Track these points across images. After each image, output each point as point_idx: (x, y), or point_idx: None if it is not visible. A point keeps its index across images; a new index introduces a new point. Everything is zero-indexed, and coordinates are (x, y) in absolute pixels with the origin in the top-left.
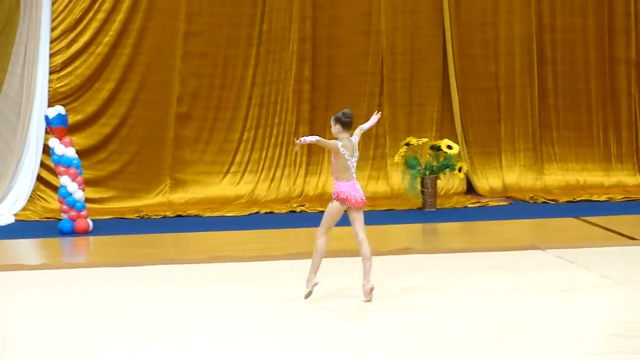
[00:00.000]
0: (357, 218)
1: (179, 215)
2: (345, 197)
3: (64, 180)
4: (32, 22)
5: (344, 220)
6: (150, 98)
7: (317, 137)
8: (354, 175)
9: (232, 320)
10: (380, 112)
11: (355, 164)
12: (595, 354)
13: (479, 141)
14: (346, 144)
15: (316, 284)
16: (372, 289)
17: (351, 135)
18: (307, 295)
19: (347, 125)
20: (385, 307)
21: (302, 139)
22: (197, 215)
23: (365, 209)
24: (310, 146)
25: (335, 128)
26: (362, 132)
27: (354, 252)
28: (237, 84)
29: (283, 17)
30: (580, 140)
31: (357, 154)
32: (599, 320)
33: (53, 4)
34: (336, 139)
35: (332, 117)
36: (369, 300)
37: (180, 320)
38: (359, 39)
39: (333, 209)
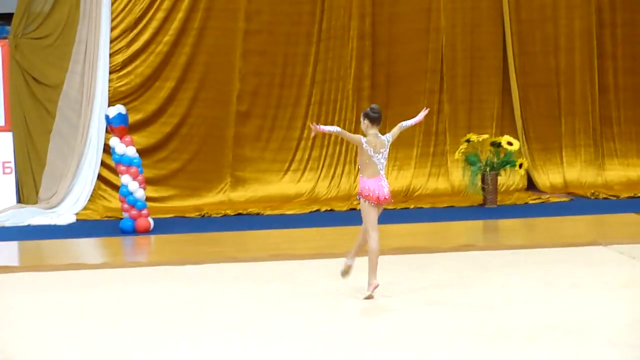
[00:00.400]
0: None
1: (240, 214)
2: (367, 195)
3: (125, 179)
4: (92, 21)
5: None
6: (210, 97)
7: (339, 129)
8: (382, 172)
9: (290, 319)
10: (428, 109)
11: (383, 161)
12: None
13: (539, 137)
14: (371, 140)
15: (377, 287)
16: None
17: (383, 134)
18: (368, 297)
19: (376, 120)
20: (447, 304)
21: (320, 126)
22: (257, 214)
23: (426, 206)
24: None
25: (364, 123)
26: (402, 128)
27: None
28: (296, 82)
29: (342, 15)
30: None
31: (384, 151)
32: None
33: (113, 3)
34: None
35: (362, 113)
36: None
37: (239, 319)
38: (418, 36)
39: (364, 207)
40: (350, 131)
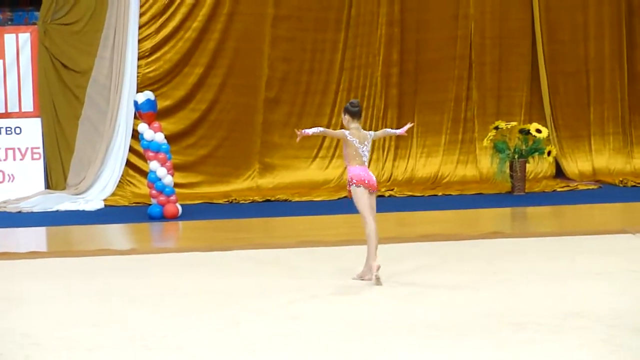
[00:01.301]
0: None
1: (268, 200)
2: (360, 179)
3: (153, 165)
4: (121, 7)
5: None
6: (239, 83)
7: (322, 128)
8: (366, 163)
9: (313, 305)
10: (412, 124)
11: (367, 153)
12: None
13: (568, 125)
14: (354, 132)
15: (378, 267)
16: (378, 268)
17: (367, 130)
18: (377, 282)
19: (356, 114)
20: (475, 290)
21: (304, 130)
22: (285, 200)
23: (455, 194)
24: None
25: (345, 118)
26: (386, 134)
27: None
28: (325, 69)
29: (371, 1)
30: None
31: (368, 144)
32: None
33: None
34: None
35: (343, 108)
36: (376, 278)
37: (263, 305)
38: (447, 23)
39: (358, 195)
40: (378, 118)
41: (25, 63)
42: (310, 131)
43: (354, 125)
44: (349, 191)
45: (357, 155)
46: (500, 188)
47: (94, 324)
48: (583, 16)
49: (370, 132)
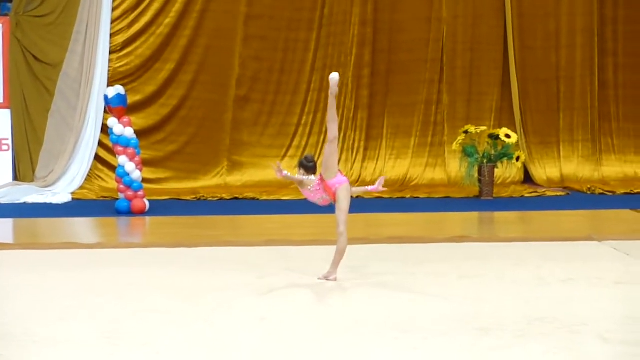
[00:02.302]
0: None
1: (236, 198)
2: (344, 178)
3: (122, 160)
4: (93, 1)
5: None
6: (210, 80)
7: (295, 178)
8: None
9: (280, 304)
10: (384, 177)
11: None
12: None
13: (537, 131)
14: (309, 181)
15: (335, 279)
16: (334, 279)
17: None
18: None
19: (310, 169)
20: (440, 294)
21: (283, 172)
22: (253, 198)
23: (423, 196)
24: (368, 130)
25: (300, 172)
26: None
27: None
28: (296, 68)
29: (344, 1)
30: None
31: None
32: None
33: None
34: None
35: (298, 161)
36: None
37: (229, 304)
38: (420, 26)
39: (346, 192)
40: (349, 118)
41: None
42: (285, 173)
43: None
44: (334, 194)
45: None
46: (468, 192)
47: (60, 318)
48: (555, 23)
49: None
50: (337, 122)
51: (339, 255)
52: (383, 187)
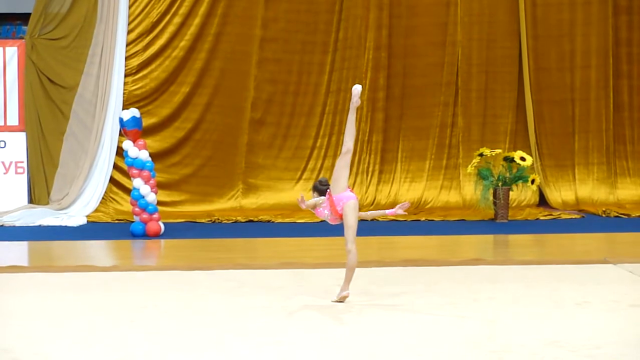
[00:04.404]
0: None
1: (251, 221)
2: (350, 195)
3: (137, 183)
4: (109, 24)
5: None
6: (225, 103)
7: (312, 205)
8: None
9: (295, 327)
10: (408, 203)
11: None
12: None
13: (552, 154)
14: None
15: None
16: (346, 296)
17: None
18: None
19: (325, 193)
20: (455, 316)
21: (305, 202)
22: (268, 221)
23: (438, 219)
24: (383, 153)
25: (314, 195)
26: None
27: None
28: (311, 91)
29: (359, 25)
30: None
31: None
32: None
33: (130, 6)
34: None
35: (313, 185)
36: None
37: (245, 327)
38: (434, 49)
39: (354, 209)
40: (363, 142)
41: (11, 77)
42: (307, 203)
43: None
44: (339, 212)
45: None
46: (483, 215)
47: (74, 341)
48: (570, 45)
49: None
50: (354, 136)
51: (350, 271)
52: (404, 211)
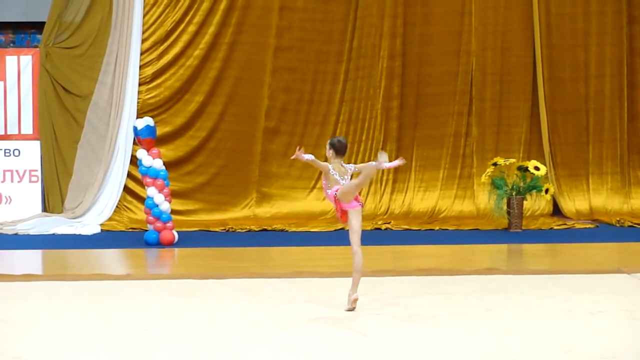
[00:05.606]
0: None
1: (264, 230)
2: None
3: (151, 192)
4: (123, 33)
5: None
6: (239, 112)
7: (313, 157)
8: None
9: (308, 336)
10: (403, 160)
11: (345, 183)
12: None
13: (566, 163)
14: (336, 167)
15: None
16: (356, 299)
17: (348, 163)
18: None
19: (340, 151)
20: (469, 326)
21: (303, 155)
22: (282, 230)
23: (451, 228)
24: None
25: (329, 152)
26: (378, 168)
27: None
28: (325, 100)
29: (374, 34)
30: None
31: (347, 177)
32: None
33: (145, 15)
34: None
35: (328, 141)
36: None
37: (258, 336)
38: (449, 58)
39: (359, 213)
40: (377, 150)
41: (26, 85)
42: (305, 157)
43: (337, 160)
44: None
45: (335, 183)
46: (497, 224)
47: (87, 349)
48: (584, 54)
49: (350, 165)
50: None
51: (357, 273)
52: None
